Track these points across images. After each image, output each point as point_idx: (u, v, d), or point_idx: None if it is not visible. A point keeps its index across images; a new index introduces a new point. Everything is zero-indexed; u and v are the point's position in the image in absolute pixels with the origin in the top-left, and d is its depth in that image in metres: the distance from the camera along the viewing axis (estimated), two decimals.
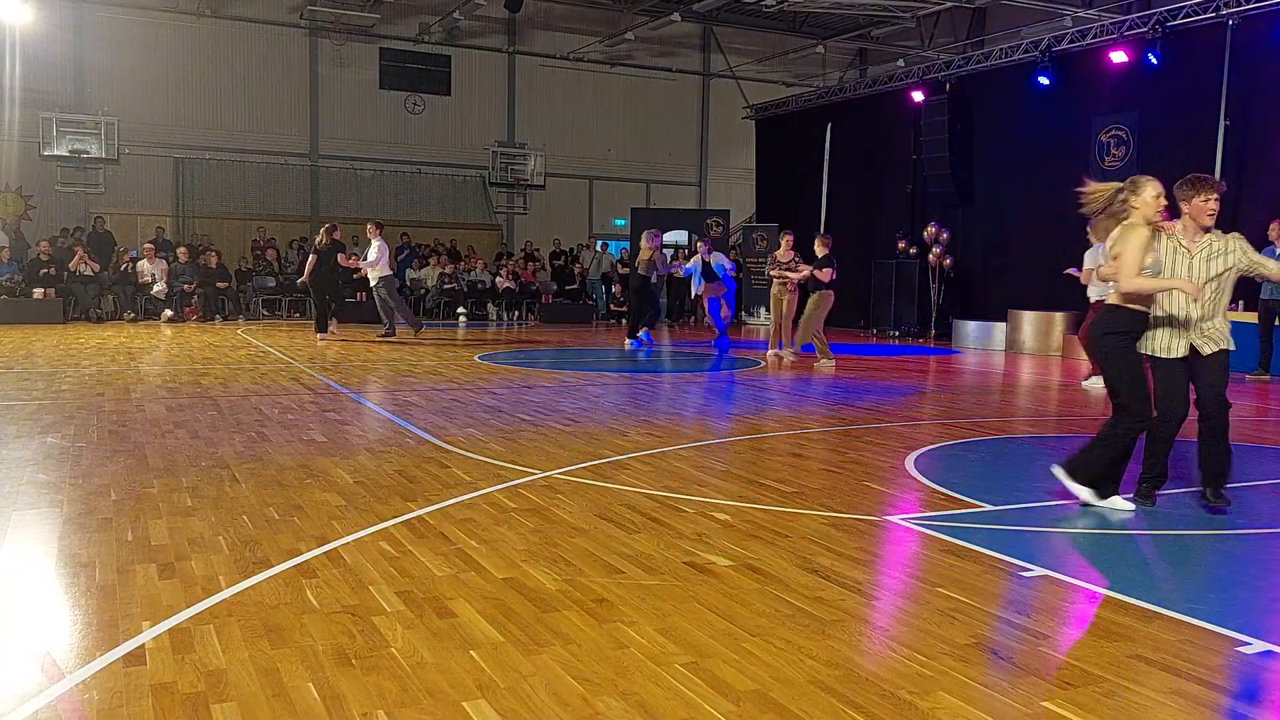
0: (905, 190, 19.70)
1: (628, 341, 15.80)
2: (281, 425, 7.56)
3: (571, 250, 23.98)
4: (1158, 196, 5.25)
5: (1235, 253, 5.47)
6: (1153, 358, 5.50)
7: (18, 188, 20.81)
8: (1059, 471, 5.54)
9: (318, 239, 15.49)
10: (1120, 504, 5.44)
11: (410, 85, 24.21)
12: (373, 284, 15.60)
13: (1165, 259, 5.50)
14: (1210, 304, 5.47)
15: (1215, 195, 5.38)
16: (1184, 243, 5.51)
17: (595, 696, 2.99)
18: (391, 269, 16.00)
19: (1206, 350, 5.43)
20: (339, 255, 15.39)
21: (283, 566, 4.14)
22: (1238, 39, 13.97)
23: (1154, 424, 5.46)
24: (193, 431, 7.20)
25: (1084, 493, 5.45)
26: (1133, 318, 5.32)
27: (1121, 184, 5.35)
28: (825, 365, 12.62)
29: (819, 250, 12.75)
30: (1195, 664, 3.30)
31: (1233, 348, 5.56)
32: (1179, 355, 5.45)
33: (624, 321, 20.94)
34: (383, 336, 15.50)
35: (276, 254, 20.87)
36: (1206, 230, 5.47)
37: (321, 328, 15.27)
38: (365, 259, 15.45)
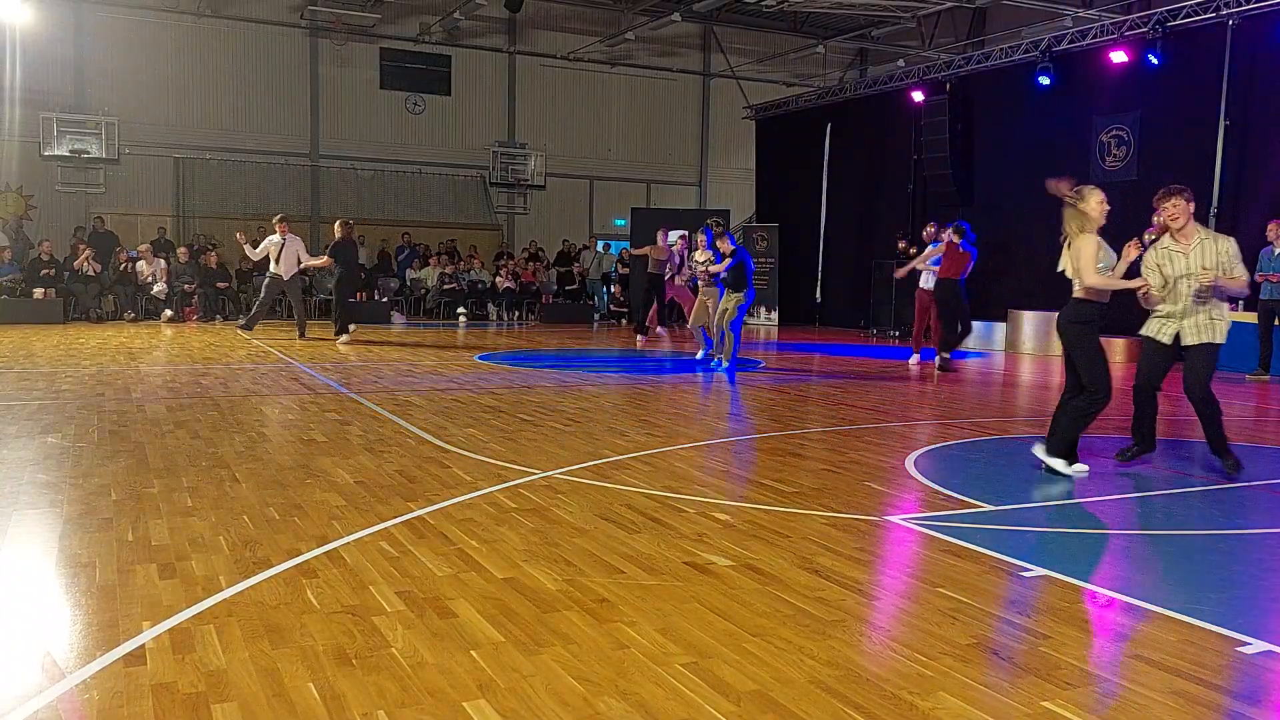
0: (905, 190, 19.70)
1: (638, 339, 16.13)
2: (281, 425, 7.56)
3: (572, 250, 23.96)
4: (1101, 202, 6.18)
5: (1217, 254, 5.89)
6: (1144, 337, 6.40)
7: (18, 188, 20.81)
8: (1039, 451, 6.31)
9: (345, 234, 14.88)
10: (1080, 467, 6.25)
11: (410, 85, 24.21)
12: (286, 279, 15.33)
13: (1161, 261, 6.21)
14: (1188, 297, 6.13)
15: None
16: (1172, 246, 6.20)
17: (596, 697, 2.99)
18: (287, 271, 15.37)
19: (1188, 340, 6.14)
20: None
21: (283, 566, 4.14)
22: (1238, 39, 13.98)
23: (1135, 390, 6.43)
24: (193, 431, 7.20)
25: (1058, 464, 6.19)
26: (1093, 309, 6.14)
27: (1070, 195, 6.31)
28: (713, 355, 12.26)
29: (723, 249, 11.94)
30: (1195, 664, 3.30)
31: (1218, 341, 6.12)
32: (1165, 340, 6.22)
33: (625, 321, 21.00)
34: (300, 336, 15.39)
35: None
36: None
37: (343, 329, 15.00)
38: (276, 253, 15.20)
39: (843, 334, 19.61)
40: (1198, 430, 8.50)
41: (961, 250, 12.27)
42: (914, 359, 13.25)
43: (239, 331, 15.27)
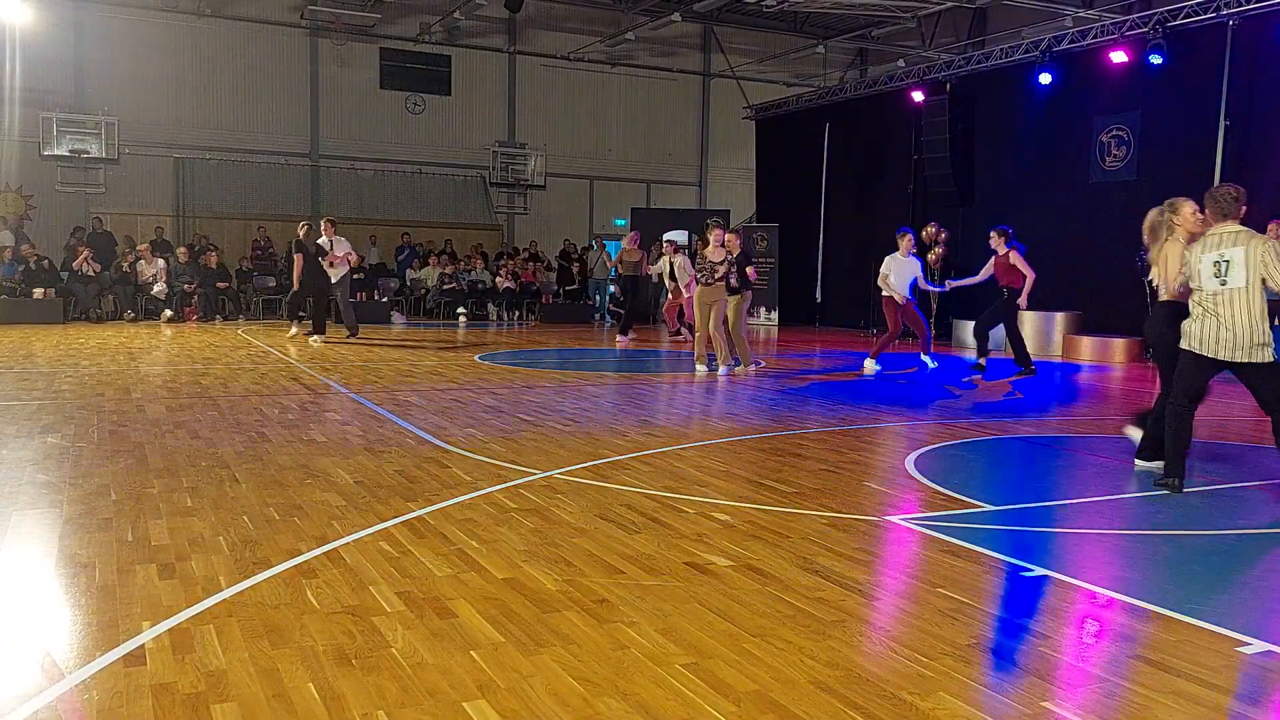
0: (906, 190, 19.69)
1: (617, 338, 16.14)
2: (281, 425, 7.55)
3: (576, 250, 23.93)
4: (1194, 211, 6.06)
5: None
6: None
7: (18, 188, 20.81)
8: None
9: (301, 236, 14.77)
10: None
11: (410, 85, 24.21)
12: (336, 280, 15.27)
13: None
14: None
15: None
16: None
17: (596, 697, 2.99)
18: (336, 273, 15.38)
19: None
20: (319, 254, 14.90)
21: (283, 566, 4.14)
22: (1238, 39, 13.97)
23: None
24: (193, 431, 7.20)
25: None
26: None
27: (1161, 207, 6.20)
28: (742, 370, 11.63)
29: (733, 249, 11.59)
30: (1195, 664, 3.30)
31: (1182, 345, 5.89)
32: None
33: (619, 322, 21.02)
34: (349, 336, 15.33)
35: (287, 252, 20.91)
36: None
37: (319, 329, 14.96)
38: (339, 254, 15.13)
39: (843, 334, 19.61)
40: (1197, 432, 8.51)
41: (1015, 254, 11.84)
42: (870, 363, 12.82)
43: (349, 339, 15.26)
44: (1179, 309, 5.98)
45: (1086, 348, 15.03)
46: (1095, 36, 15.90)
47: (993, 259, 12.14)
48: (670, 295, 16.19)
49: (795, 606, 3.79)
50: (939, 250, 17.63)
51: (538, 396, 9.48)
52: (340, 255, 15.19)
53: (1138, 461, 6.46)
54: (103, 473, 5.80)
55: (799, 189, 22.33)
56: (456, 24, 23.06)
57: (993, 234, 12.09)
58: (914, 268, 12.47)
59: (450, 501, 5.28)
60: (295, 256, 14.74)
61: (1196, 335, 5.73)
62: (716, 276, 11.48)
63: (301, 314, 16.15)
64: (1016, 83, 17.29)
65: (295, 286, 15.08)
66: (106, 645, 3.28)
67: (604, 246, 23.11)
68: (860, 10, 21.68)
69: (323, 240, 15.24)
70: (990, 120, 18.10)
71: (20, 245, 18.77)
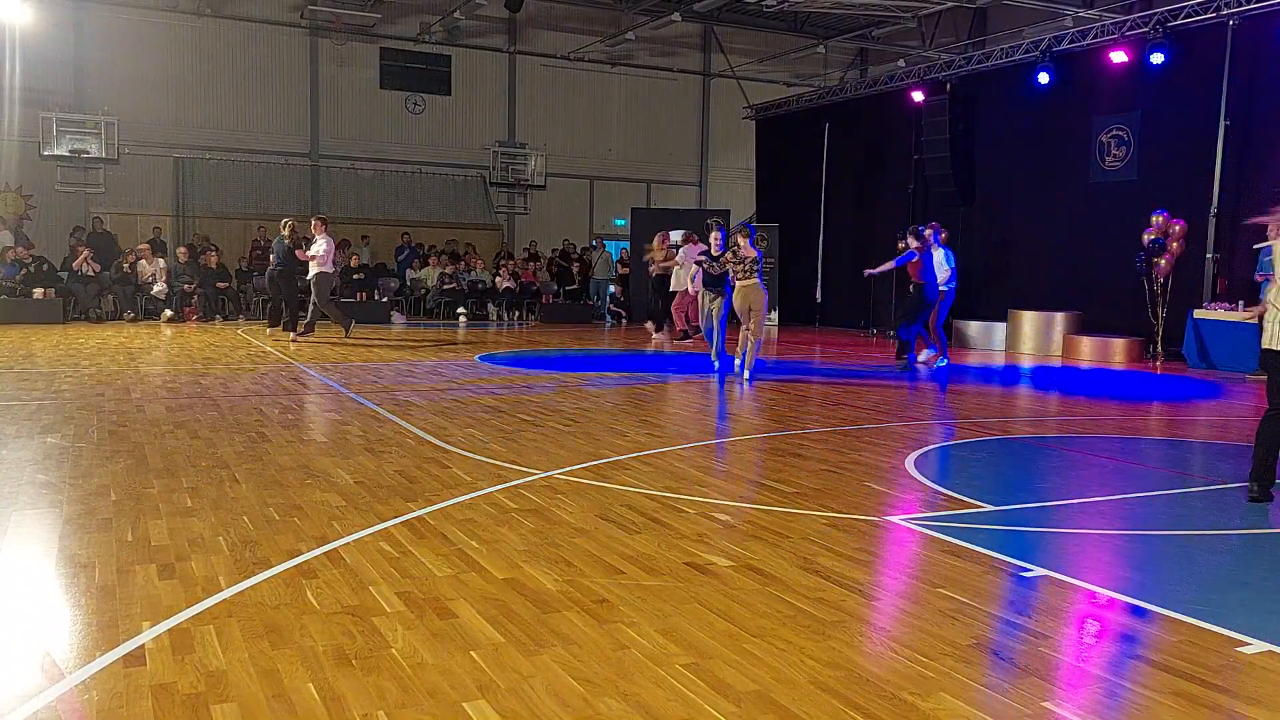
0: (906, 190, 19.70)
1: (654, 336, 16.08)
2: (281, 425, 7.55)
3: (577, 250, 23.92)
4: None
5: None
6: None
7: (18, 188, 20.80)
8: None
9: (284, 236, 14.79)
10: None
11: (410, 85, 24.21)
12: (309, 278, 15.03)
13: None
14: None
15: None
16: None
17: (596, 697, 2.98)
18: (333, 268, 15.41)
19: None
20: (296, 251, 14.87)
21: (283, 567, 4.14)
22: (1238, 39, 13.97)
23: None
24: (193, 431, 7.20)
25: None
26: None
27: None
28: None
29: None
30: (1195, 664, 3.30)
31: (1267, 345, 5.57)
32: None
33: (624, 321, 20.99)
34: (301, 335, 15.11)
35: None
36: None
37: (291, 325, 14.96)
38: (311, 253, 14.93)
39: (843, 334, 19.61)
40: (1199, 432, 8.52)
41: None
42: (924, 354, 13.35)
43: (345, 337, 15.24)
44: None
45: (1086, 348, 15.03)
46: (1095, 36, 15.90)
47: (916, 256, 12.48)
48: (679, 295, 16.12)
49: (796, 607, 3.79)
50: None
51: (538, 396, 9.48)
52: (316, 254, 14.84)
53: None
54: (102, 473, 5.80)
55: (799, 189, 22.34)
56: (456, 24, 23.06)
57: (925, 232, 12.62)
58: (942, 258, 12.79)
59: (450, 502, 5.28)
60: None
61: (1272, 332, 5.48)
62: (751, 271, 11.20)
63: (300, 314, 16.05)
64: (1016, 83, 17.29)
65: (275, 284, 15.20)
66: (106, 645, 3.28)
67: (604, 246, 23.11)
68: (860, 10, 21.67)
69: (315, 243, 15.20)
70: (990, 120, 18.11)
71: (19, 246, 18.76)
